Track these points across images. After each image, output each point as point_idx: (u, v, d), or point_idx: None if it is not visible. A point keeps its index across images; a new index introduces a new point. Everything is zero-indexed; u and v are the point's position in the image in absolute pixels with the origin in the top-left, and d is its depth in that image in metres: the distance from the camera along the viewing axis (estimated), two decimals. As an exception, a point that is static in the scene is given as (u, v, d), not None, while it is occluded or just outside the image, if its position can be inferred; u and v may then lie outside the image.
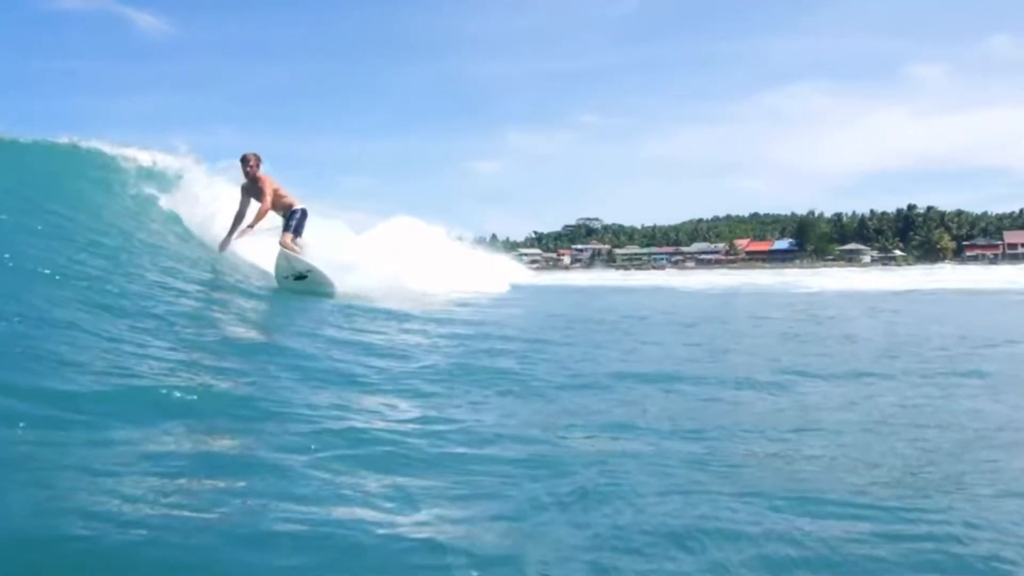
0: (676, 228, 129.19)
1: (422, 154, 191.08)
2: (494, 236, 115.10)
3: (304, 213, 8.35)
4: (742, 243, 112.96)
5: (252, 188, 8.33)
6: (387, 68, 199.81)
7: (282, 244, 7.92)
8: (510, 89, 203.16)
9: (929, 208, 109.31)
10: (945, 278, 27.89)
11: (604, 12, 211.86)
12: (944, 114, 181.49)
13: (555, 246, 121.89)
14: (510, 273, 18.76)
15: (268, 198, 8.17)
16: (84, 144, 9.55)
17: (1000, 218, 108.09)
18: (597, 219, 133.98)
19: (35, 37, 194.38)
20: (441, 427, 2.95)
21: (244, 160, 8.36)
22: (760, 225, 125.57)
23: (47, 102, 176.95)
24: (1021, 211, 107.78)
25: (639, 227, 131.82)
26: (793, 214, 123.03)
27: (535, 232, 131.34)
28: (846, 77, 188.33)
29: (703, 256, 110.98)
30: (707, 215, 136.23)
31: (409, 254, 12.10)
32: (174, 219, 8.93)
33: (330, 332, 5.28)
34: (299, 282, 7.69)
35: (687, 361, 5.12)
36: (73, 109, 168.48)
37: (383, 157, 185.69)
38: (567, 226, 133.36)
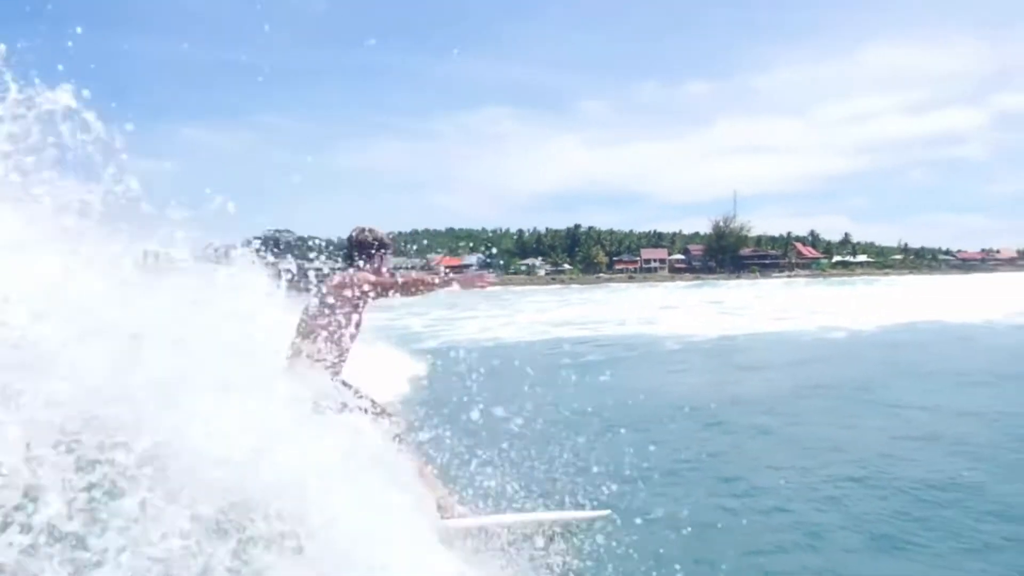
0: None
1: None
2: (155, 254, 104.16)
3: None
4: (437, 259, 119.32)
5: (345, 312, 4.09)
6: None
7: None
8: (182, 76, 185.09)
9: (590, 228, 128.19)
10: (599, 312, 30.96)
11: (293, 6, 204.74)
12: (607, 145, 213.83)
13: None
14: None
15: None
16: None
17: (640, 236, 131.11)
18: (288, 231, 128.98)
19: None
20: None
21: (376, 244, 4.39)
22: (455, 240, 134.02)
23: None
24: (654, 231, 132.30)
25: (335, 240, 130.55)
26: (484, 229, 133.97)
27: (213, 245, 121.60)
28: (529, 104, 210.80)
29: (399, 271, 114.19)
30: (405, 228, 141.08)
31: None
32: None
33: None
34: None
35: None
36: None
37: None
38: (254, 238, 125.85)
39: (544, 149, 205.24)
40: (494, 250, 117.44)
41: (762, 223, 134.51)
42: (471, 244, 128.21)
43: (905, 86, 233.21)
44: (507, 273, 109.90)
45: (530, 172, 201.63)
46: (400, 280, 4.19)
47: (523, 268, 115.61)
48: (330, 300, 4.05)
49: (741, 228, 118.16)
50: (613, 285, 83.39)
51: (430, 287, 4.18)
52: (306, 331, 4.00)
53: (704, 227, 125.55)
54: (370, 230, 4.40)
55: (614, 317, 28.95)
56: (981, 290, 45.31)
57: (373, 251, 4.31)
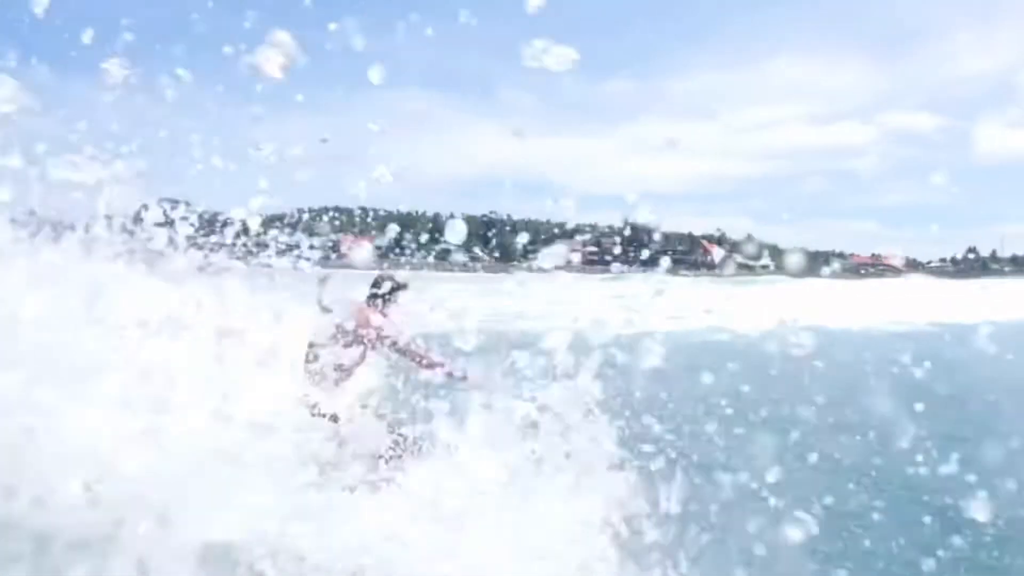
0: (280, 217, 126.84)
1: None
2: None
3: None
4: (346, 239, 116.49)
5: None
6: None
7: None
8: (79, 29, 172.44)
9: (508, 215, 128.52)
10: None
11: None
12: (527, 135, 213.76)
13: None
14: None
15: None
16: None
17: (554, 227, 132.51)
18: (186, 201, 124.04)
19: None
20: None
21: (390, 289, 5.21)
22: (365, 219, 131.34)
23: None
24: (569, 223, 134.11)
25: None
26: (398, 211, 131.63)
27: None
28: (452, 88, 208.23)
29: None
30: (315, 204, 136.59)
31: None
32: None
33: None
34: None
35: None
36: None
37: None
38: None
39: (463, 134, 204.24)
40: (398, 231, 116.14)
41: (672, 221, 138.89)
42: (383, 226, 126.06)
43: (807, 99, 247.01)
44: (417, 258, 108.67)
45: (448, 156, 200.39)
46: (422, 356, 4.64)
47: (436, 253, 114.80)
48: (347, 327, 4.48)
49: (652, 225, 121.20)
50: (522, 276, 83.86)
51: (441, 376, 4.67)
52: (323, 341, 4.41)
53: (617, 221, 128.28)
54: (389, 276, 5.05)
55: (514, 310, 28.92)
56: (867, 295, 48.08)
57: (383, 293, 4.90)
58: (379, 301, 5.05)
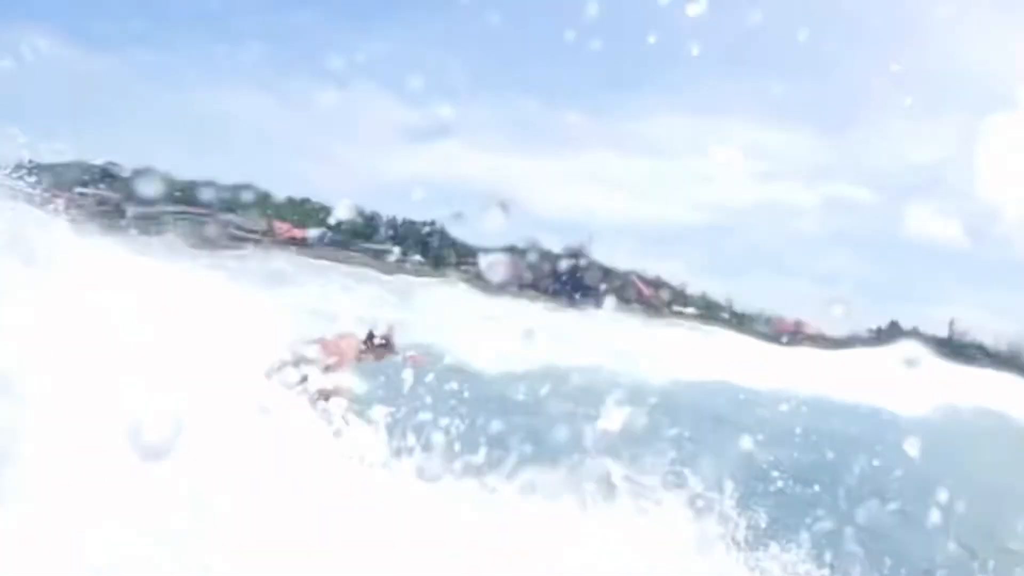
0: (227, 187, 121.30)
1: None
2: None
3: None
4: (283, 227, 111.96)
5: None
6: None
7: None
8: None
9: (444, 227, 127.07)
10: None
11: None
12: (481, 151, 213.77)
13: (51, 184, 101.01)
14: None
15: None
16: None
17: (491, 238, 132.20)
18: (115, 163, 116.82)
19: None
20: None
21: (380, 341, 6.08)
22: (304, 209, 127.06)
23: None
24: (507, 244, 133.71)
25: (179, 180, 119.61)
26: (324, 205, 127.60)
27: (31, 161, 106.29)
28: (407, 93, 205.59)
29: (239, 232, 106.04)
30: (260, 188, 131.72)
31: None
32: None
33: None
34: None
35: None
36: None
37: None
38: (85, 164, 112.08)
39: (413, 140, 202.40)
40: (332, 224, 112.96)
41: (610, 256, 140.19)
42: (320, 216, 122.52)
43: (757, 156, 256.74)
44: (348, 251, 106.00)
45: (394, 160, 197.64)
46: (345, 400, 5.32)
47: (371, 250, 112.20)
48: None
49: (589, 258, 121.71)
50: (446, 290, 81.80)
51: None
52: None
53: (556, 248, 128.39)
54: (389, 335, 5.90)
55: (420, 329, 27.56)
56: (784, 362, 48.24)
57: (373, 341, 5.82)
58: (369, 344, 5.72)
